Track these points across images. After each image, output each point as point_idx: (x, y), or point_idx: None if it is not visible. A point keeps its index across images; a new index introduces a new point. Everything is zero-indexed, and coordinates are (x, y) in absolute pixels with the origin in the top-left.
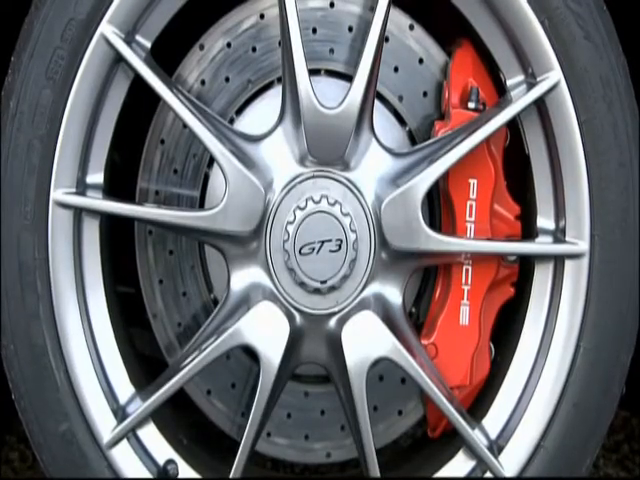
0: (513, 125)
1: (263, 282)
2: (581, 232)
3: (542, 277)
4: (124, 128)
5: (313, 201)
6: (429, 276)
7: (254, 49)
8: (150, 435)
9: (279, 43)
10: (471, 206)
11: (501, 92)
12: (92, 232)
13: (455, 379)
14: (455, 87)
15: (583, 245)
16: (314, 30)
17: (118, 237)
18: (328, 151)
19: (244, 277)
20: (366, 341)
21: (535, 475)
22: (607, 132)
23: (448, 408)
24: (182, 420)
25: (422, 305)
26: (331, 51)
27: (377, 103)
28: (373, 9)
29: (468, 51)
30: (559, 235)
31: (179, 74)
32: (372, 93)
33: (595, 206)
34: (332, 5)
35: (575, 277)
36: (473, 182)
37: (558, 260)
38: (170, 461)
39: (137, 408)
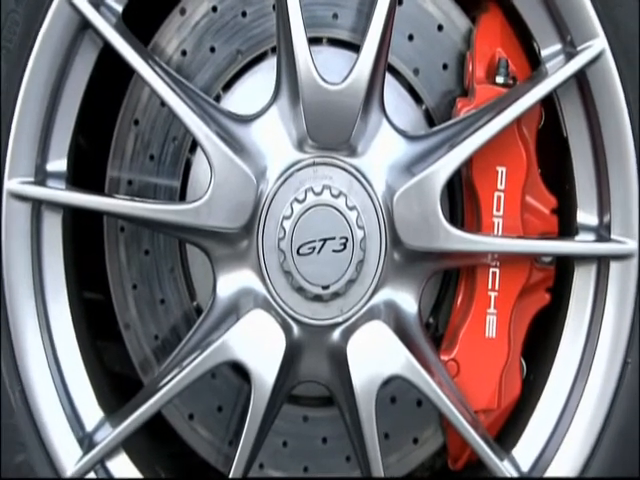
0: (549, 103)
1: (255, 287)
2: (629, 229)
3: (583, 281)
4: (91, 106)
5: (313, 192)
6: (449, 281)
7: (244, 14)
8: (122, 467)
9: (273, 7)
10: (499, 198)
11: (534, 64)
12: (54, 228)
13: (480, 401)
14: (480, 58)
15: (631, 244)
16: None
17: (84, 235)
18: (331, 134)
19: (232, 281)
20: (376, 356)
21: None
22: None
23: (472, 436)
24: (159, 449)
25: (441, 315)
26: (334, 16)
27: (389, 77)
28: None
29: (496, 16)
30: (603, 232)
31: (156, 43)
32: (382, 66)
33: None
34: None
35: (622, 281)
36: (501, 170)
37: (602, 261)
38: None
39: (106, 436)
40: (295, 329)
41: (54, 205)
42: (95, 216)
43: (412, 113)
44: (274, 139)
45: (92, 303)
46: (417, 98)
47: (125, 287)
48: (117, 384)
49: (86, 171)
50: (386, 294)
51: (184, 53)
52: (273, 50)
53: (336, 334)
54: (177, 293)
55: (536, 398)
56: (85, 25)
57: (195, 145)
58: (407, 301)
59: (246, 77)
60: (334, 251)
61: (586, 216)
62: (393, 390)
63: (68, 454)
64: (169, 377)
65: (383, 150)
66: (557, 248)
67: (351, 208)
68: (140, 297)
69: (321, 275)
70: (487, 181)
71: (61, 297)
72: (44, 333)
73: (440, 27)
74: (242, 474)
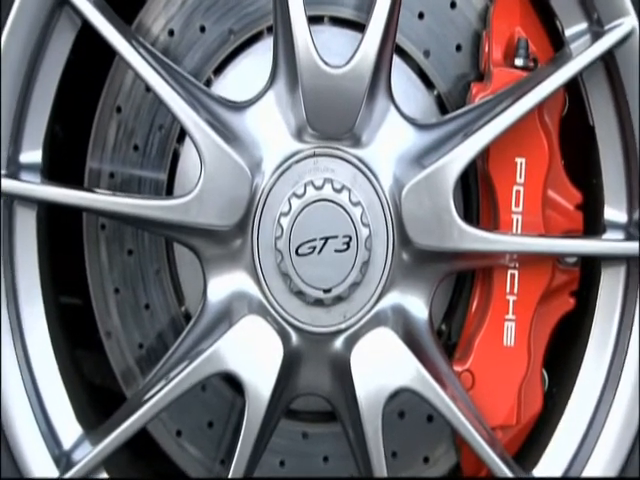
0: (573, 88)
1: (249, 291)
2: None
3: (611, 284)
4: (69, 92)
5: (314, 187)
6: (463, 284)
7: None
8: None
9: None
10: (518, 193)
11: (557, 45)
12: (27, 226)
13: (498, 417)
14: (498, 39)
15: None
16: None
17: (61, 233)
18: (333, 122)
19: (225, 284)
20: (382, 367)
21: None
22: None
23: (489, 454)
24: (144, 469)
25: (454, 321)
26: None
27: (397, 60)
28: None
29: None
30: (633, 230)
31: (141, 22)
32: (390, 47)
33: None
34: None
35: None
36: (521, 162)
37: (631, 262)
38: None
39: (86, 454)
40: (293, 337)
41: (28, 200)
42: (73, 213)
43: (422, 99)
44: (270, 128)
45: (70, 308)
46: (428, 83)
47: (106, 291)
48: (97, 397)
49: (63, 163)
50: (394, 298)
51: (171, 33)
52: (269, 30)
53: (339, 342)
54: (163, 297)
55: (559, 413)
56: (62, 1)
57: (183, 134)
58: (417, 306)
59: (239, 59)
60: (336, 251)
61: (614, 212)
62: (401, 404)
63: (43, 474)
64: (155, 390)
65: (390, 140)
66: (582, 247)
67: (355, 204)
68: (123, 302)
69: (322, 277)
70: (505, 174)
71: (36, 302)
72: (17, 341)
73: (453, 4)
74: None
